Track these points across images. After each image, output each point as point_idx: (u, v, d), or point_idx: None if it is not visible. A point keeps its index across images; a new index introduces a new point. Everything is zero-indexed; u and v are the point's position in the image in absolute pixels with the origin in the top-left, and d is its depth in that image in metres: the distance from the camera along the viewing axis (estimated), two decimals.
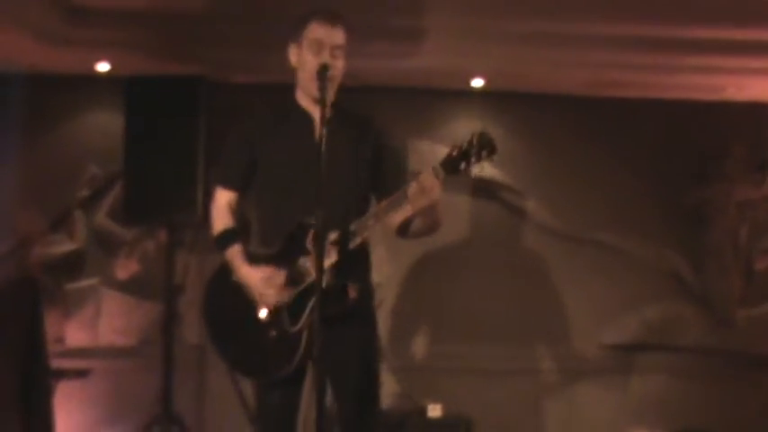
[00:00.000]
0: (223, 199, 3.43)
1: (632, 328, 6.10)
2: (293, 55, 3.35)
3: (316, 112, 3.18)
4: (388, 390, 5.54)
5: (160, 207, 5.45)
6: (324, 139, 3.05)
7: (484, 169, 3.23)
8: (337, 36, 3.30)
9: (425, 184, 3.08)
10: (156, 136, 5.40)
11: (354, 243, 3.19)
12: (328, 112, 3.20)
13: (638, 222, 6.10)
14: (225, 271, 3.36)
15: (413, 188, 3.10)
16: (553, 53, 5.33)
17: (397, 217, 3.27)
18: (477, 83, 5.95)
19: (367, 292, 3.38)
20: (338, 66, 3.27)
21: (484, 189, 6.06)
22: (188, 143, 5.40)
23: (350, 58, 3.34)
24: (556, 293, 6.08)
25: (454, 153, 3.11)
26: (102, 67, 5.67)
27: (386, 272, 5.73)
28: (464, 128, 6.04)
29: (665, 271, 6.15)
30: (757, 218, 6.26)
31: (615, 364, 6.06)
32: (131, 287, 5.96)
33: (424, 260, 5.92)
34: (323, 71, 3.17)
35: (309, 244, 3.19)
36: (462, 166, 3.11)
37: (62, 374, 5.34)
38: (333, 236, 3.14)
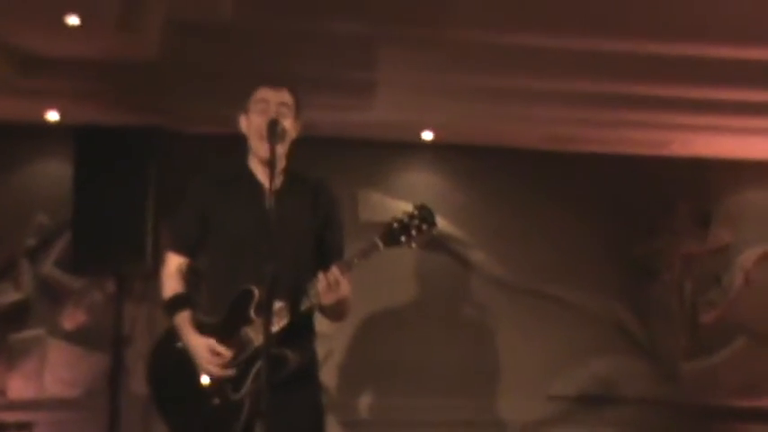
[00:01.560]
0: (173, 264, 3.44)
1: (579, 379, 6.14)
2: (243, 124, 3.39)
3: (267, 180, 3.21)
4: None
5: (109, 257, 5.40)
6: (273, 208, 3.08)
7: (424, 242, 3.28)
8: (282, 95, 3.35)
9: (330, 280, 3.14)
10: (106, 186, 5.37)
11: (298, 309, 3.22)
12: (279, 178, 3.24)
13: (585, 275, 6.17)
14: (170, 336, 3.36)
15: (321, 283, 3.15)
16: (502, 108, 5.42)
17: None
18: (428, 135, 6.01)
19: (311, 359, 3.40)
20: (286, 124, 3.31)
21: (432, 241, 6.09)
22: (138, 193, 5.38)
23: (302, 110, 3.38)
24: (503, 345, 6.11)
25: (394, 225, 3.17)
26: (52, 116, 5.65)
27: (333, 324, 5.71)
28: (415, 180, 6.11)
29: (612, 323, 6.21)
30: (702, 272, 6.35)
31: (562, 416, 6.09)
32: (78, 338, 5.89)
33: (372, 312, 5.92)
34: (272, 125, 3.20)
35: (252, 312, 3.21)
36: (402, 239, 3.16)
37: (4, 428, 5.24)
38: (279, 304, 3.16)
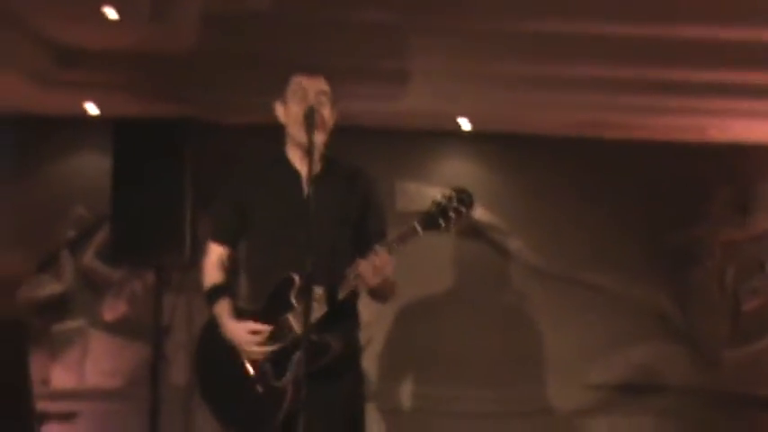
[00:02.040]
0: (215, 254, 3.48)
1: (619, 368, 6.10)
2: (280, 113, 3.41)
3: (305, 168, 3.22)
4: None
5: (148, 248, 5.45)
6: (311, 195, 3.09)
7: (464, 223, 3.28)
8: (319, 82, 3.36)
9: (375, 261, 3.13)
10: (144, 177, 5.41)
11: (336, 296, 3.22)
12: (318, 165, 3.25)
13: (624, 263, 6.13)
14: (214, 325, 3.39)
15: (363, 266, 3.14)
16: (539, 95, 5.38)
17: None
18: (464, 124, 6.00)
19: (353, 346, 3.40)
20: (324, 113, 3.32)
21: (470, 229, 6.08)
22: (176, 185, 5.41)
23: (338, 101, 3.39)
24: (542, 334, 6.09)
25: (433, 209, 3.16)
26: (91, 108, 5.70)
27: (375, 310, 5.72)
28: (451, 169, 6.10)
29: (651, 311, 6.16)
30: (744, 258, 6.29)
31: (602, 404, 6.06)
32: (119, 328, 5.95)
33: (411, 300, 5.91)
34: (310, 113, 3.22)
35: (293, 299, 3.22)
36: (441, 221, 3.15)
37: (47, 417, 5.30)
38: (318, 291, 3.17)
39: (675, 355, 6.16)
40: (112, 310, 5.98)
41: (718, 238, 6.27)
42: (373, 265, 3.14)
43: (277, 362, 3.24)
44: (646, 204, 6.19)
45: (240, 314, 3.33)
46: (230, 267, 3.49)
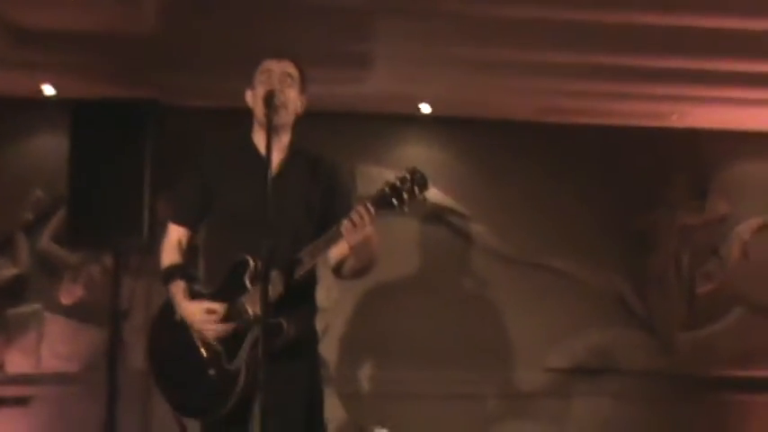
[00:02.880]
0: (174, 235, 3.46)
1: (577, 351, 6.16)
2: (248, 97, 3.39)
3: (268, 152, 3.19)
4: (335, 415, 5.52)
5: (106, 231, 5.38)
6: (270, 177, 3.07)
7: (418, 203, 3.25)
8: (286, 65, 3.34)
9: (355, 218, 3.11)
10: (102, 160, 5.33)
11: (292, 279, 3.20)
12: (282, 152, 3.26)
13: (583, 247, 6.17)
14: (169, 309, 3.37)
15: (345, 224, 3.12)
16: (499, 80, 5.40)
17: (334, 254, 3.30)
18: (426, 108, 5.99)
19: (309, 331, 3.40)
20: (289, 95, 3.30)
21: (432, 213, 6.09)
22: (135, 167, 5.34)
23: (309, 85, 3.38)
24: (502, 318, 6.12)
25: (386, 189, 3.14)
26: (48, 89, 5.62)
27: (333, 297, 5.72)
28: (412, 152, 6.10)
29: (610, 296, 6.22)
30: (699, 243, 6.36)
31: (560, 387, 6.11)
32: (76, 312, 5.89)
33: (372, 285, 5.91)
34: (269, 96, 3.20)
35: (248, 282, 3.21)
36: (395, 202, 3.14)
37: (2, 402, 5.25)
38: (274, 273, 3.15)
39: (633, 339, 6.23)
40: (69, 293, 5.92)
41: (675, 222, 6.34)
42: (353, 221, 3.12)
43: (230, 345, 3.23)
44: (607, 190, 6.25)
45: (195, 296, 3.32)
46: (188, 250, 3.47)
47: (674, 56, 5.00)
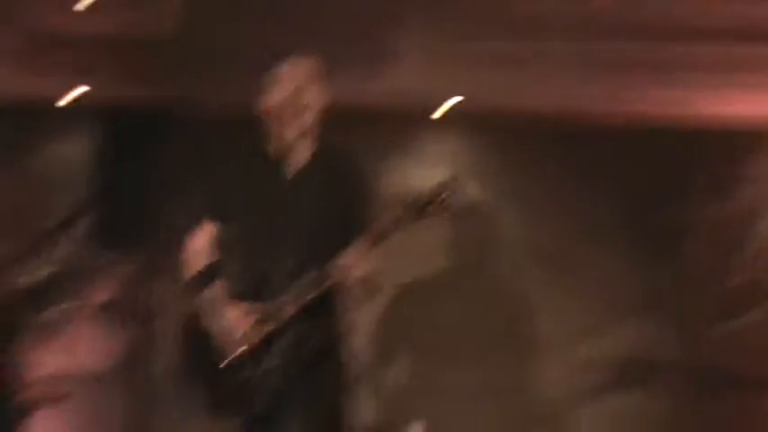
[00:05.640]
0: (203, 235, 3.47)
1: (607, 346, 6.14)
2: (264, 102, 3.40)
3: (289, 156, 3.21)
4: (368, 412, 5.54)
5: (135, 232, 5.44)
6: (291, 183, 3.10)
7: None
8: (304, 68, 3.36)
9: (349, 258, 3.13)
10: (128, 163, 5.42)
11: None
12: (306, 152, 3.30)
13: (612, 241, 6.16)
14: (197, 313, 3.39)
15: (343, 260, 3.17)
16: (527, 76, 5.38)
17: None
18: (452, 103, 5.98)
19: (335, 333, 3.42)
20: (311, 96, 3.32)
21: (460, 209, 6.08)
22: (159, 170, 5.41)
23: (327, 80, 3.38)
24: (532, 313, 6.12)
25: (416, 200, 3.16)
26: (71, 95, 5.67)
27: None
28: (440, 148, 6.10)
29: (639, 290, 6.20)
30: (727, 237, 6.33)
31: (591, 381, 6.09)
32: (108, 312, 5.94)
33: (403, 279, 5.92)
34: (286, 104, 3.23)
35: (276, 287, 3.23)
36: (425, 214, 3.15)
37: (38, 401, 5.30)
38: (303, 279, 3.17)
39: (661, 333, 6.20)
40: (100, 294, 5.97)
41: (704, 216, 6.30)
42: (347, 262, 3.14)
43: (260, 350, 3.25)
44: (633, 183, 6.20)
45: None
46: (217, 249, 3.49)
47: (697, 44, 4.95)
